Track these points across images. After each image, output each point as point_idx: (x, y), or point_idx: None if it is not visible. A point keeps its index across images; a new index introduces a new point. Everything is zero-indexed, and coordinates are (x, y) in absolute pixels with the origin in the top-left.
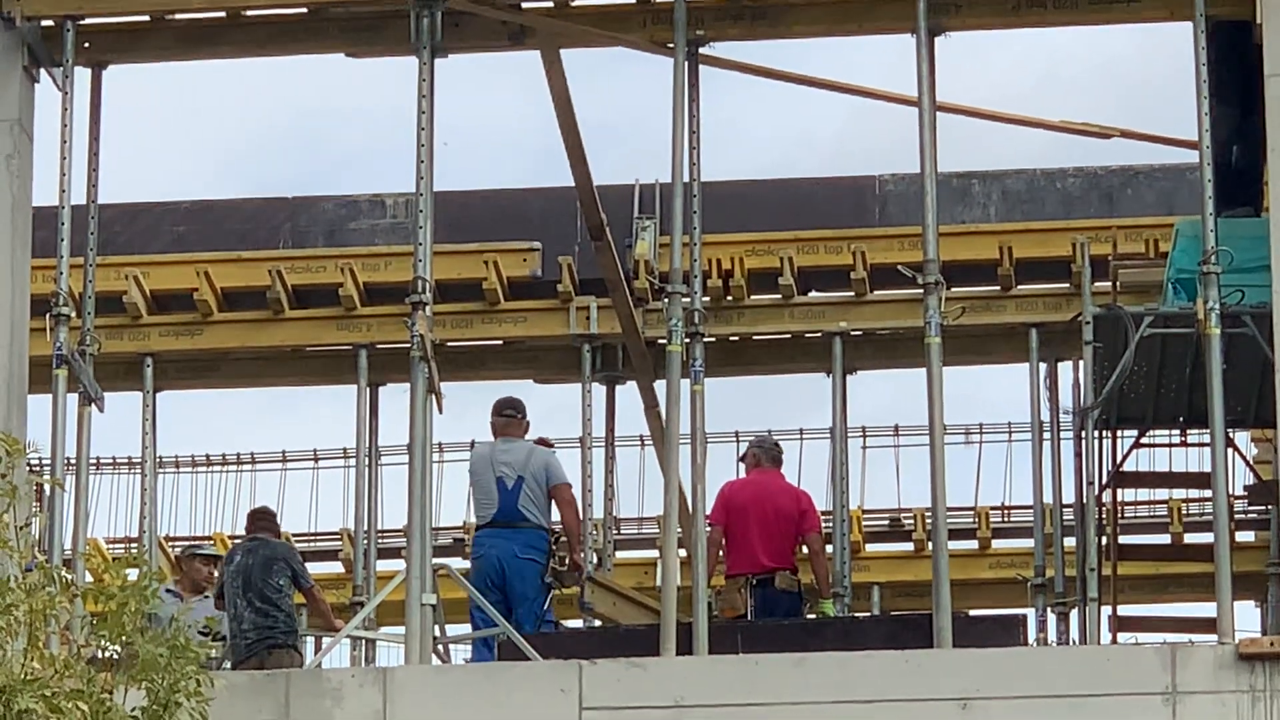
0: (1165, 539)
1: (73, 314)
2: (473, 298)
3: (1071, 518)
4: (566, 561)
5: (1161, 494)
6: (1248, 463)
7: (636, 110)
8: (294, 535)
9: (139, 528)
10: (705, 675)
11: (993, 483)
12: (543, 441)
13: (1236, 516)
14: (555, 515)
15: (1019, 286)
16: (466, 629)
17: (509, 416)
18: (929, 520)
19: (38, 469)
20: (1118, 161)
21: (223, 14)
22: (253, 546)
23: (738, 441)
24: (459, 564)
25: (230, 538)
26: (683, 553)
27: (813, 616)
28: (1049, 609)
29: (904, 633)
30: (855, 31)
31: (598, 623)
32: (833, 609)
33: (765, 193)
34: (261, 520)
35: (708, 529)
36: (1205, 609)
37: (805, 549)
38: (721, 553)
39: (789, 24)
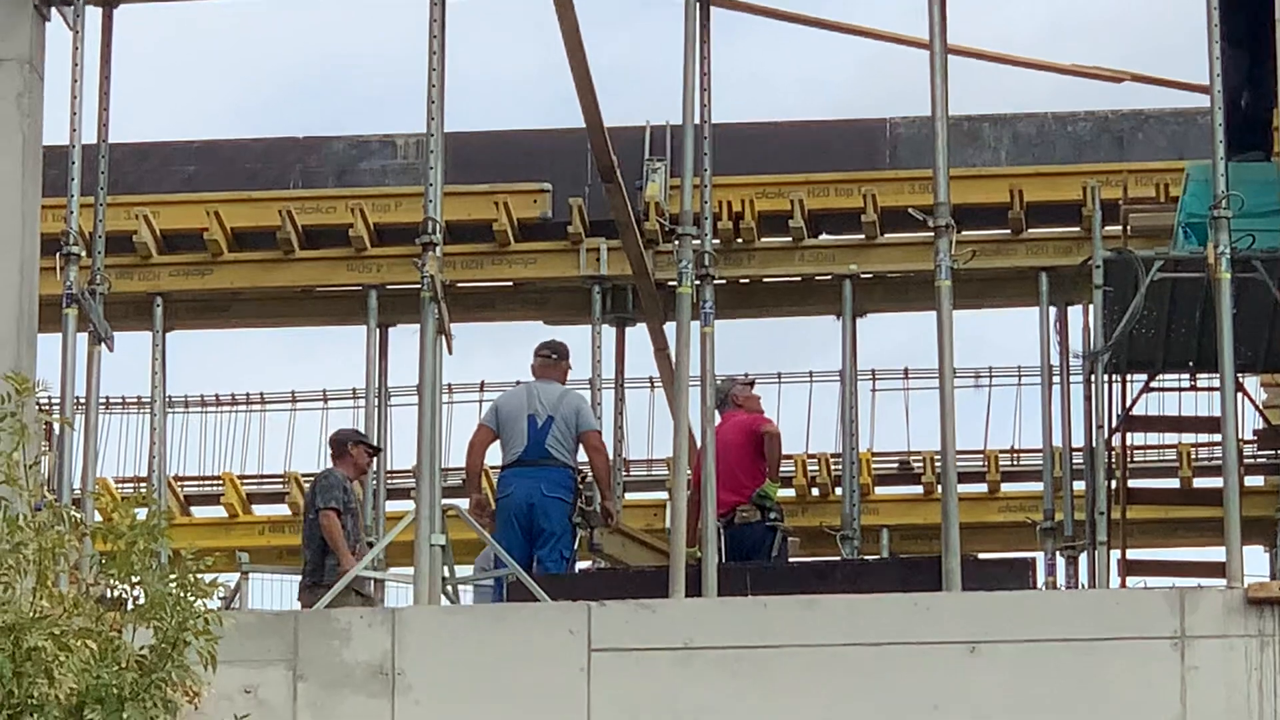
0: (1174, 483)
1: (83, 253)
2: (483, 239)
3: (1081, 461)
4: (594, 504)
5: (1171, 438)
6: (1257, 407)
7: (647, 53)
8: (303, 475)
9: (148, 467)
10: (714, 617)
11: (1002, 426)
12: None
13: (1246, 461)
14: (583, 458)
15: (1029, 230)
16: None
17: (544, 358)
18: (938, 463)
19: (47, 408)
20: (1128, 105)
21: None
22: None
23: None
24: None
25: (240, 478)
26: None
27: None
28: (1058, 553)
29: (913, 576)
30: None
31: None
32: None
33: (776, 135)
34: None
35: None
36: (1214, 553)
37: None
38: None
39: None
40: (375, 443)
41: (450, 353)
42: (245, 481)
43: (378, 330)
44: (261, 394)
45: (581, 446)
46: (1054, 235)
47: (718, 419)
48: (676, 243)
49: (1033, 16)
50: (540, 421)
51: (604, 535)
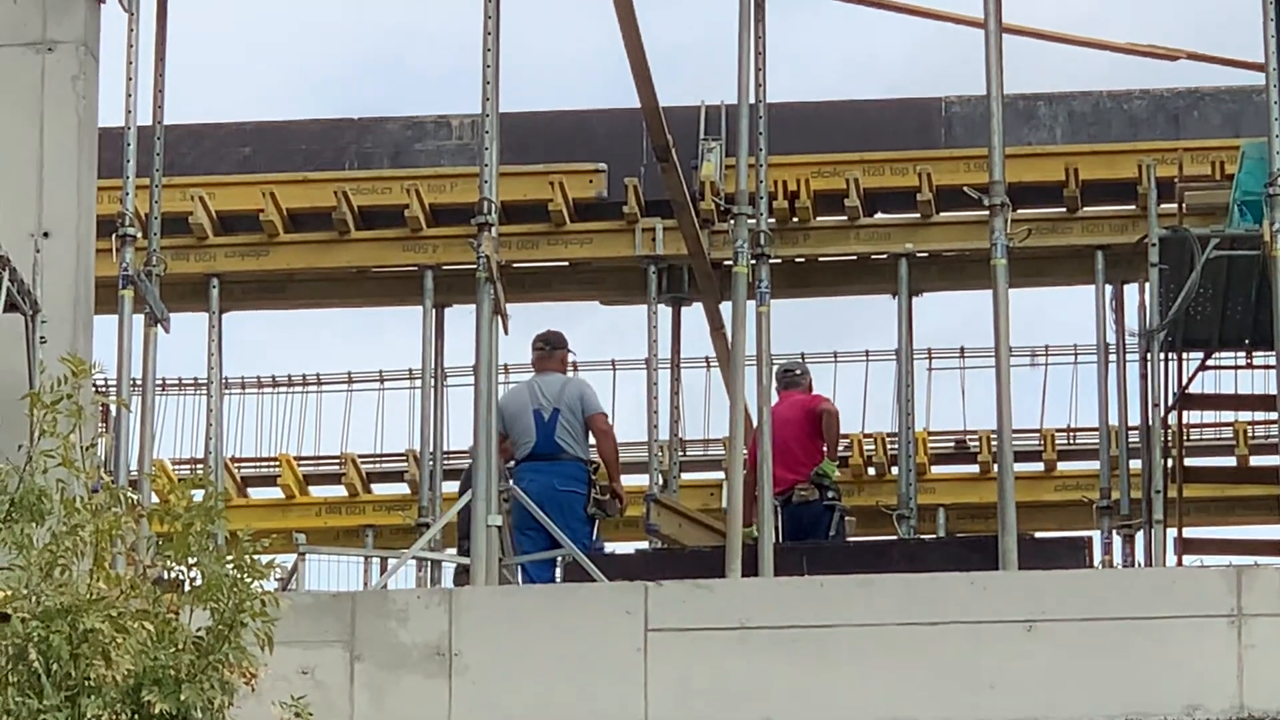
0: (1231, 461)
1: (139, 235)
2: (538, 219)
3: (1137, 440)
4: (607, 491)
5: (1227, 416)
6: None
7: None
8: (359, 456)
9: (204, 449)
10: (771, 597)
11: (1058, 405)
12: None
13: None
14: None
15: (1085, 208)
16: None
17: (540, 351)
18: (994, 442)
19: (103, 390)
20: (1184, 83)
21: None
22: None
23: (803, 363)
24: None
25: (297, 459)
26: None
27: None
28: (1114, 531)
29: (969, 554)
30: None
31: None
32: (834, 469)
33: (831, 114)
34: None
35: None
36: (1271, 531)
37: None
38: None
39: None
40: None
41: (506, 333)
42: (302, 463)
43: (434, 311)
44: (318, 375)
45: (589, 431)
46: (1109, 213)
47: (775, 398)
48: (732, 222)
49: None
50: (546, 415)
51: (660, 515)
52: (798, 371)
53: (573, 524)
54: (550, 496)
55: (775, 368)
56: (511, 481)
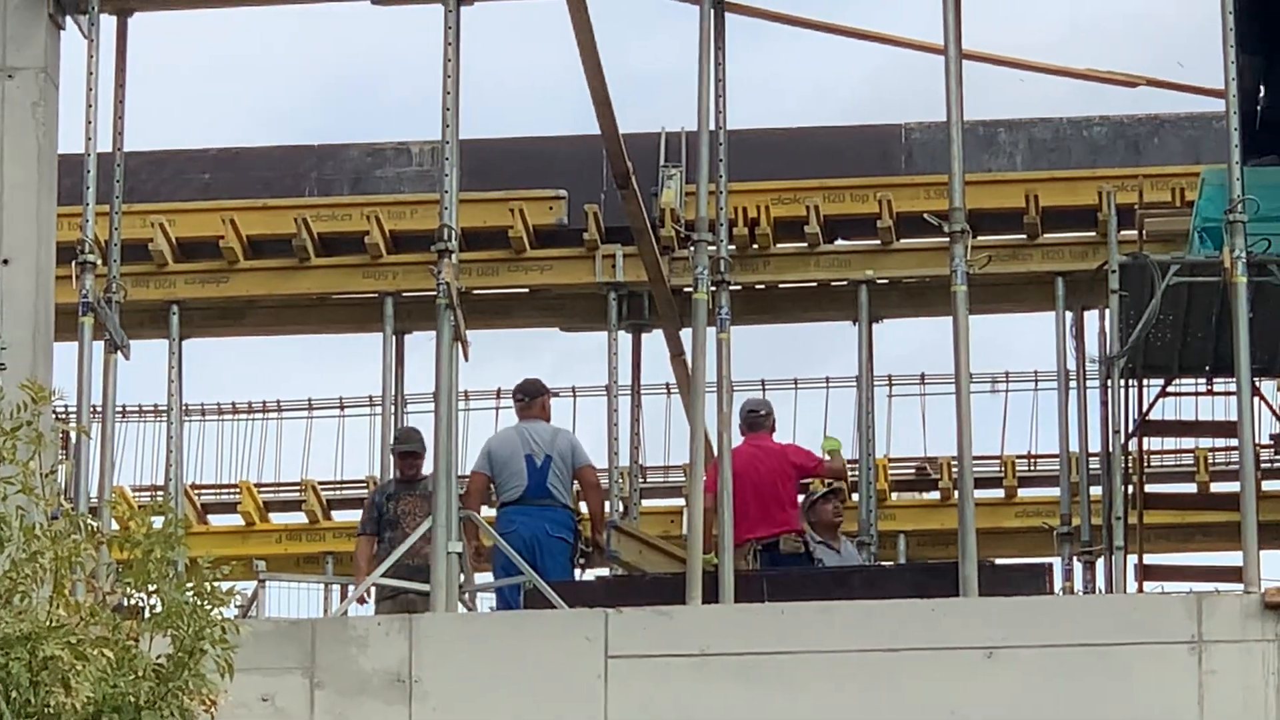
0: (1191, 488)
1: (99, 261)
2: (499, 245)
3: (1097, 466)
4: (590, 543)
5: (1187, 443)
6: (1274, 411)
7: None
8: (320, 483)
9: (165, 475)
10: (731, 624)
11: (1019, 431)
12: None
13: (1262, 465)
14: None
15: (1045, 235)
16: (490, 578)
17: (520, 402)
18: (955, 469)
19: (64, 416)
20: (1144, 110)
21: None
22: None
23: (763, 390)
24: (488, 512)
25: (257, 486)
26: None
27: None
28: (1075, 558)
29: (930, 581)
30: None
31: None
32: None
33: (791, 141)
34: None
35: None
36: (1231, 558)
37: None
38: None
39: None
40: (403, 444)
41: (467, 360)
42: (262, 490)
43: (394, 337)
44: (278, 402)
45: (577, 482)
46: (1070, 240)
47: (739, 438)
48: (692, 249)
49: (1049, 19)
50: (539, 461)
51: (620, 541)
52: (762, 412)
53: (559, 570)
54: (542, 541)
55: (740, 406)
56: (497, 523)
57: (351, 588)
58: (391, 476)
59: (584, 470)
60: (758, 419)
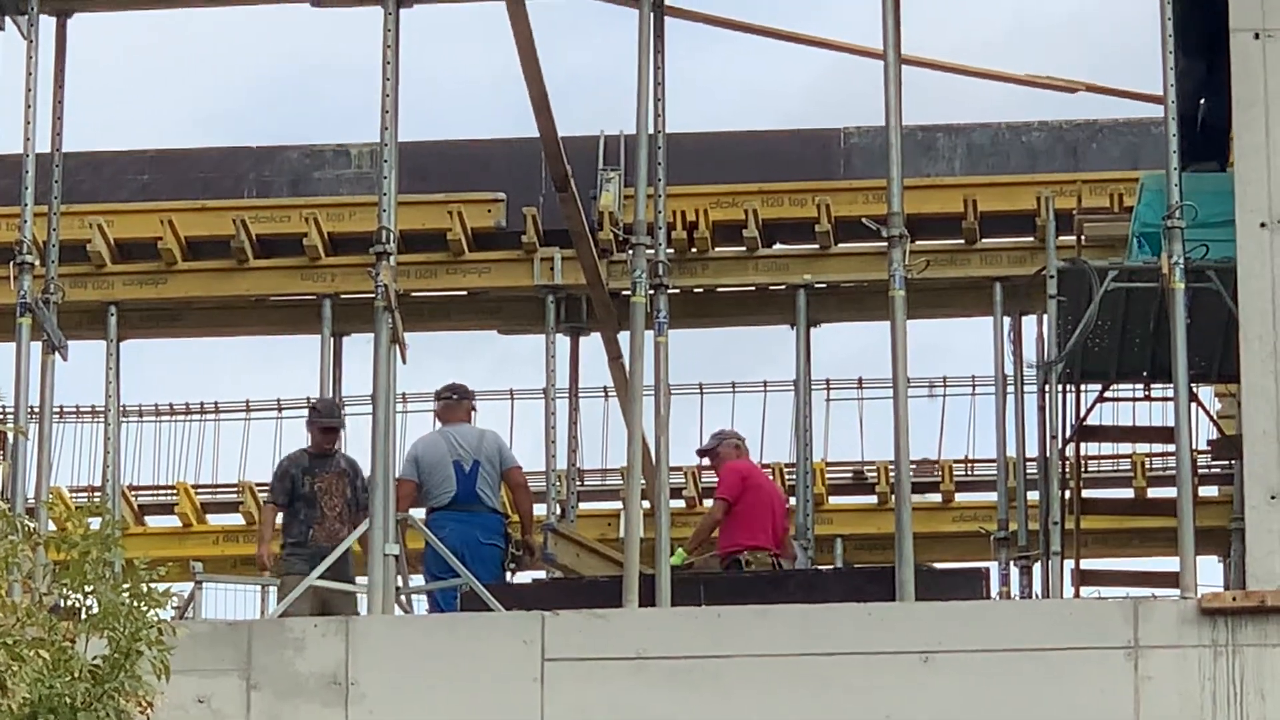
0: (1128, 493)
1: (37, 262)
2: (437, 248)
3: (1035, 471)
4: (520, 545)
5: (1125, 448)
6: (1211, 417)
7: (602, 62)
8: (257, 485)
9: (102, 476)
10: (668, 627)
11: (956, 436)
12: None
13: (1200, 471)
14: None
15: (983, 240)
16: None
17: (447, 400)
18: (892, 473)
19: (1, 417)
20: (1083, 115)
21: None
22: None
23: (701, 394)
24: (419, 513)
25: (194, 487)
26: (645, 504)
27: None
28: (1012, 562)
29: (867, 585)
30: None
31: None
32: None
33: (730, 145)
34: None
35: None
36: (1168, 564)
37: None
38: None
39: None
40: (326, 418)
41: (405, 362)
42: (199, 491)
43: (332, 340)
44: (216, 403)
45: (505, 483)
46: (1008, 245)
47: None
48: (630, 252)
49: (991, 22)
50: (467, 466)
51: (557, 544)
52: (743, 440)
53: (491, 577)
54: (474, 549)
55: (725, 431)
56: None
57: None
58: (303, 448)
59: (511, 471)
60: (743, 445)
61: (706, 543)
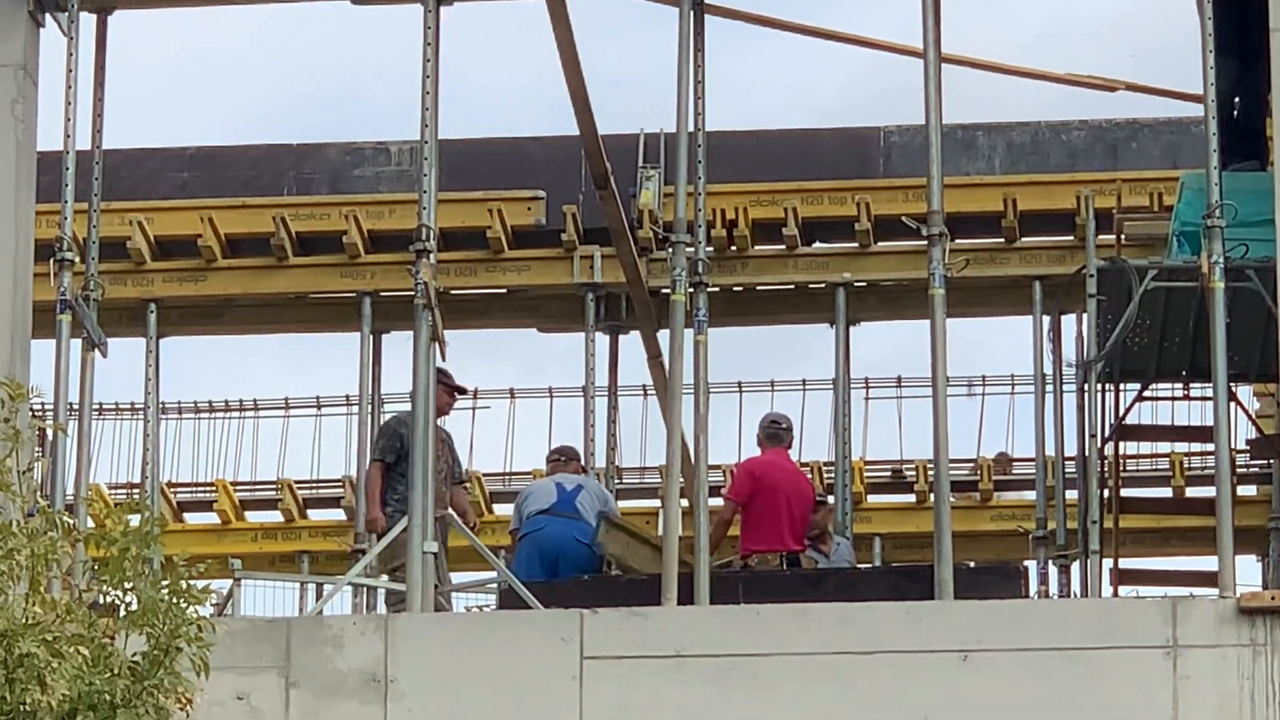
0: (1167, 492)
1: (77, 259)
2: (477, 246)
3: (1073, 470)
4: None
5: (1164, 447)
6: (1250, 417)
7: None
8: (296, 482)
9: (141, 473)
10: (706, 625)
11: (995, 435)
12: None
13: (1238, 470)
14: None
15: (1023, 239)
16: (466, 577)
17: (556, 461)
18: (931, 472)
19: (40, 414)
20: (1123, 114)
21: None
22: None
23: (740, 392)
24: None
25: (233, 484)
26: (684, 503)
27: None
28: (1050, 561)
29: (905, 584)
30: None
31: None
32: None
33: (770, 143)
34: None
35: (726, 501)
36: (1206, 563)
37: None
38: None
39: None
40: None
41: (444, 359)
42: (238, 488)
43: (371, 337)
44: (255, 400)
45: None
46: (1048, 244)
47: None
48: (670, 250)
49: (1029, 23)
50: (569, 487)
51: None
52: (784, 425)
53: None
54: (569, 546)
55: (762, 416)
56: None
57: (328, 587)
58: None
59: (610, 515)
60: (779, 431)
61: (724, 542)
